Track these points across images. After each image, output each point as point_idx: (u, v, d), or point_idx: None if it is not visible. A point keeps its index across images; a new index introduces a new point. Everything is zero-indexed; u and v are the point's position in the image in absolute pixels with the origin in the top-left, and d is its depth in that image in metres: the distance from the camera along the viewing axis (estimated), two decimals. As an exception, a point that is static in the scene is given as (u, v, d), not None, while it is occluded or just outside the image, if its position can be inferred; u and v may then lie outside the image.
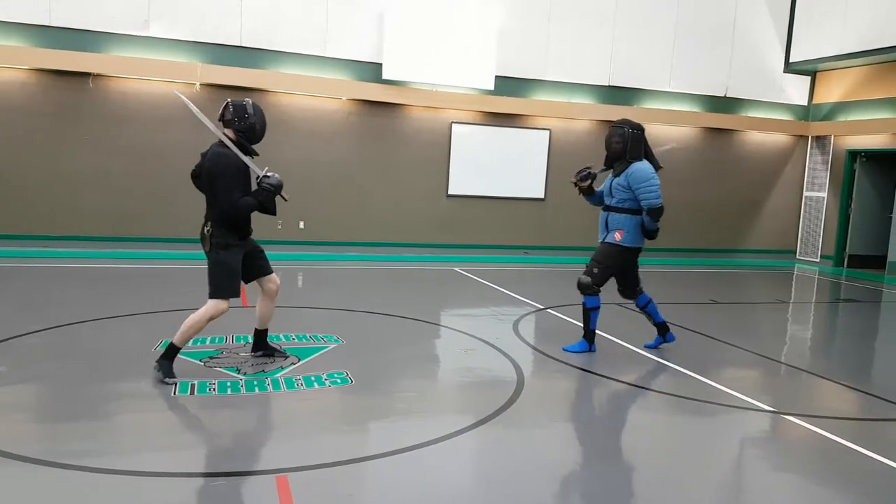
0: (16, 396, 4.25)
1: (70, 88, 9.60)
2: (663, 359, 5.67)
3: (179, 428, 3.93)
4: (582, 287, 5.61)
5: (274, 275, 4.87)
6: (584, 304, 5.67)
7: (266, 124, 4.66)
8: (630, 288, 5.84)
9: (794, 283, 11.39)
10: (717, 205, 13.28)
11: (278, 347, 5.22)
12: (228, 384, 4.47)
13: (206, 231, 4.45)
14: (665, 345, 6.01)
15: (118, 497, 3.01)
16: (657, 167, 5.60)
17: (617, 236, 5.53)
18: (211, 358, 4.95)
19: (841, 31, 12.02)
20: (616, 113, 12.02)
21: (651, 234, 5.59)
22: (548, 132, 11.90)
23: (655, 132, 12.57)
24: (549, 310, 7.44)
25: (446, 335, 6.39)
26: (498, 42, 11.21)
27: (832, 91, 13.17)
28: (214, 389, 4.36)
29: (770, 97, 13.24)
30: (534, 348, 5.89)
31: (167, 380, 4.38)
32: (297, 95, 10.55)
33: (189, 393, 4.29)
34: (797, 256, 13.90)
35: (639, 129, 5.56)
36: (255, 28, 10.25)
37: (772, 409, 4.61)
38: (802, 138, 13.65)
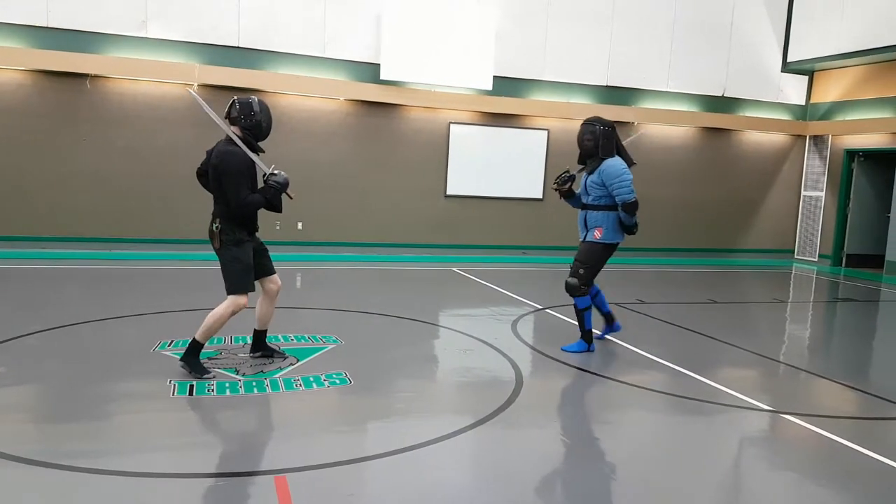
0: (15, 397, 4.25)
1: (67, 89, 9.58)
2: (662, 358, 5.67)
3: (178, 429, 3.92)
4: (570, 289, 5.67)
5: (276, 275, 4.89)
6: (575, 305, 5.74)
7: (272, 122, 4.69)
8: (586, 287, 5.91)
9: (792, 282, 11.41)
10: (716, 204, 13.29)
11: (277, 348, 5.22)
12: (227, 385, 4.46)
13: (214, 228, 4.49)
14: (612, 334, 6.21)
15: (117, 498, 3.01)
16: (630, 163, 5.66)
17: (596, 234, 5.61)
18: (210, 359, 4.95)
19: (838, 30, 12.04)
20: (615, 113, 12.04)
21: (630, 229, 5.66)
22: (546, 132, 11.90)
23: (653, 132, 12.61)
24: (547, 310, 7.45)
25: (445, 335, 6.39)
26: (496, 42, 11.21)
27: (830, 91, 13.19)
28: (213, 390, 4.36)
29: (768, 97, 13.26)
30: (532, 348, 5.90)
31: (204, 376, 4.49)
32: (294, 96, 10.54)
33: (188, 394, 4.29)
34: (795, 256, 13.92)
35: (609, 127, 5.63)
36: (253, 29, 10.24)
37: (770, 408, 4.62)
38: (800, 138, 13.66)
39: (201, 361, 4.69)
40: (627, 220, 5.56)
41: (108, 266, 8.99)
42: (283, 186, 4.53)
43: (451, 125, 11.46)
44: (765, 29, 12.98)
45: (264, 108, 4.60)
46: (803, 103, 13.55)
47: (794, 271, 12.55)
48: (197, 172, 4.73)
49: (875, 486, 3.51)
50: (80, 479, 3.14)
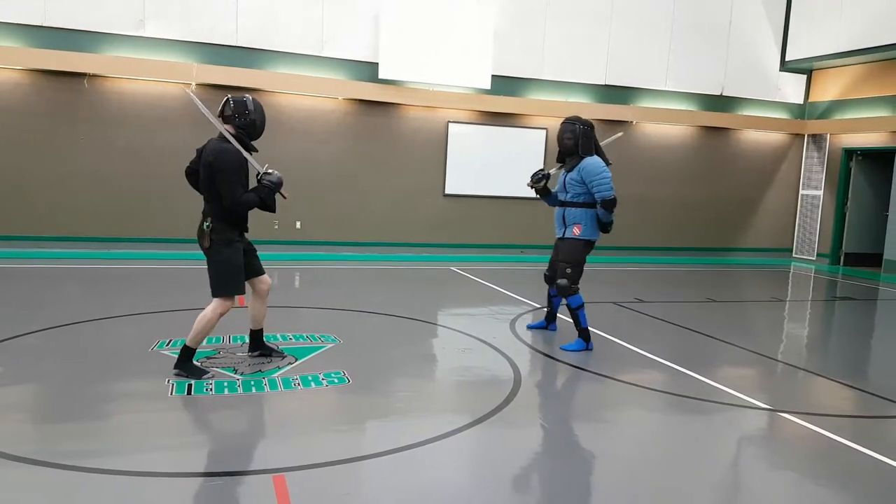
0: (14, 396, 4.24)
1: (65, 89, 9.57)
2: (661, 357, 5.68)
3: (176, 428, 3.92)
4: (562, 291, 5.76)
5: (266, 275, 4.86)
6: (568, 305, 5.80)
7: (265, 121, 4.67)
8: (553, 279, 6.04)
9: (790, 281, 11.41)
10: (714, 203, 13.30)
11: (275, 347, 5.22)
12: (225, 384, 4.46)
13: (205, 227, 4.44)
14: (546, 332, 6.34)
15: (115, 497, 3.01)
16: (607, 162, 5.78)
17: (576, 231, 5.74)
18: (208, 358, 4.94)
19: (837, 29, 12.04)
20: (613, 112, 12.09)
21: (606, 226, 5.82)
22: (544, 131, 11.90)
23: (652, 131, 12.62)
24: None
25: (443, 334, 6.39)
26: (494, 41, 11.21)
27: (828, 89, 13.20)
28: (212, 389, 4.36)
29: (766, 96, 13.26)
30: (531, 347, 5.90)
31: (203, 377, 4.48)
32: (293, 95, 10.54)
33: (186, 393, 4.28)
34: (794, 255, 13.93)
35: (589, 126, 5.77)
36: (251, 28, 10.23)
37: (769, 406, 4.62)
38: (798, 137, 13.67)
39: (199, 361, 4.68)
40: (605, 216, 5.71)
41: (107, 265, 8.99)
42: (277, 186, 4.51)
43: (450, 124, 11.46)
44: (763, 28, 12.99)
45: (258, 107, 4.58)
46: (802, 102, 13.55)
47: (792, 270, 12.56)
48: (186, 171, 4.65)
49: (874, 485, 3.51)
50: (79, 479, 3.13)
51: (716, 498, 3.36)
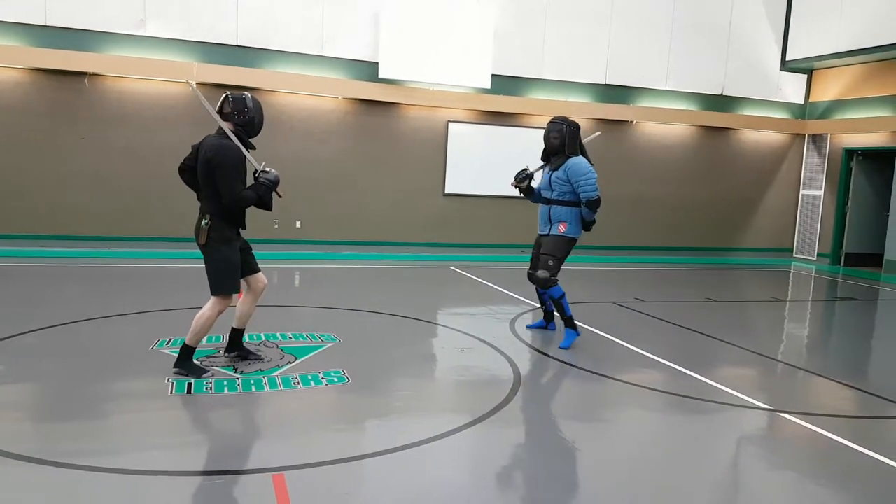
0: (14, 395, 4.25)
1: (66, 88, 9.57)
2: (661, 357, 5.67)
3: (176, 427, 3.92)
4: (542, 282, 5.85)
5: (261, 273, 4.84)
6: (551, 296, 5.91)
7: (264, 118, 4.66)
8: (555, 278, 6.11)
9: (790, 281, 11.41)
10: (714, 203, 13.30)
11: (254, 349, 5.14)
12: (225, 383, 4.46)
13: (203, 224, 4.42)
14: (545, 331, 6.39)
15: (115, 496, 3.01)
16: (590, 162, 5.90)
17: (561, 228, 5.84)
18: (208, 357, 4.94)
19: (837, 29, 12.04)
20: (613, 112, 12.09)
21: (589, 225, 5.95)
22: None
23: (652, 131, 12.62)
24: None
25: (443, 334, 6.39)
26: (494, 41, 11.21)
27: (829, 89, 13.19)
28: (211, 388, 4.36)
29: (766, 95, 13.26)
30: (531, 347, 5.90)
31: (203, 375, 4.47)
32: (293, 94, 10.54)
33: (186, 392, 4.28)
34: (794, 255, 13.93)
35: (575, 127, 5.90)
36: (252, 27, 10.23)
37: (769, 406, 4.62)
38: (799, 136, 13.67)
39: (199, 360, 4.68)
40: (589, 215, 5.84)
41: (108, 264, 8.99)
42: (274, 184, 4.50)
43: (450, 124, 11.46)
44: (763, 27, 12.98)
45: (257, 105, 4.57)
46: (802, 102, 13.55)
47: (792, 270, 12.56)
48: (180, 167, 4.59)
49: (874, 485, 3.51)
50: (80, 477, 3.13)
51: (716, 498, 3.36)
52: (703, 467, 3.70)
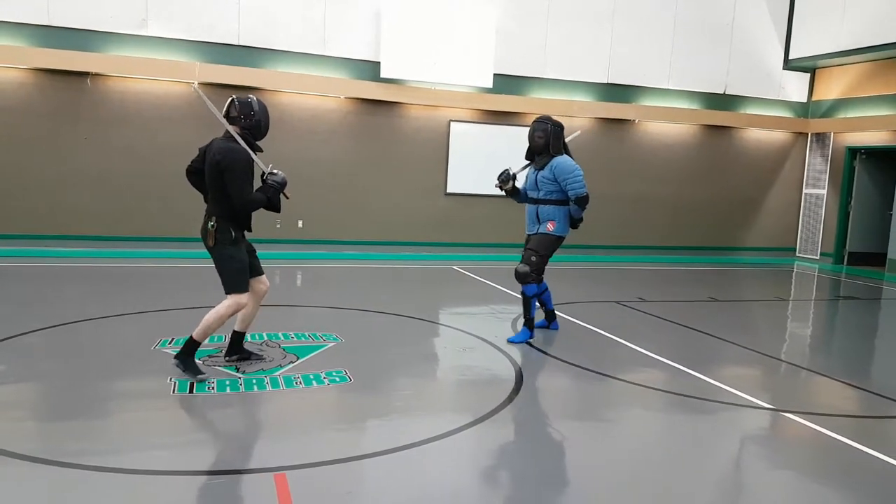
0: (15, 395, 4.25)
1: (68, 88, 9.58)
2: (663, 356, 5.66)
3: (178, 426, 3.92)
4: (521, 276, 5.85)
5: (265, 276, 4.84)
6: (523, 292, 5.89)
7: (269, 121, 4.66)
8: (536, 275, 6.09)
9: (793, 280, 11.39)
10: (717, 202, 13.27)
11: (256, 350, 5.13)
12: (227, 383, 4.46)
13: (210, 226, 4.42)
14: (547, 330, 6.34)
15: (117, 495, 3.01)
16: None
17: (549, 227, 5.87)
18: (210, 356, 4.94)
19: (840, 27, 12.00)
20: (615, 111, 12.07)
21: (576, 223, 5.98)
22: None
23: (654, 130, 12.60)
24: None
25: (445, 333, 6.39)
26: (496, 40, 11.19)
27: (832, 88, 13.16)
28: (213, 388, 4.36)
29: (769, 94, 13.23)
30: (532, 346, 5.88)
31: (198, 377, 4.42)
32: (295, 94, 10.54)
33: (188, 391, 4.28)
34: (797, 254, 13.90)
35: (559, 126, 5.94)
36: (253, 27, 10.24)
37: (771, 406, 4.61)
38: (802, 135, 13.64)
39: (201, 360, 4.68)
40: (577, 213, 5.88)
41: (109, 264, 8.99)
42: (282, 186, 4.52)
43: (452, 123, 11.45)
44: (766, 26, 12.95)
45: (263, 108, 4.57)
46: (805, 101, 13.52)
47: (795, 269, 12.53)
48: (187, 170, 4.60)
49: (877, 485, 3.49)
50: (82, 477, 3.13)
51: (718, 497, 3.35)
52: (706, 467, 3.69)
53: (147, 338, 5.38)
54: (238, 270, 4.50)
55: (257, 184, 4.54)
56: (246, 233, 4.65)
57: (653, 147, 12.64)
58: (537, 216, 5.96)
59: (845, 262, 13.02)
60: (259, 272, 4.77)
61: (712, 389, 4.88)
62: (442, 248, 11.53)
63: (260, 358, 4.99)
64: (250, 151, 4.45)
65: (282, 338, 5.58)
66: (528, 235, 6.05)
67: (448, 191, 11.62)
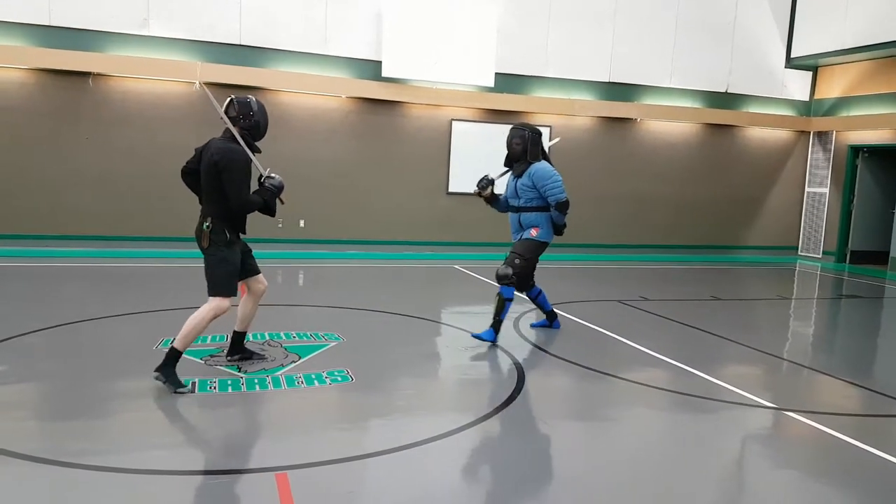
0: (16, 395, 4.25)
1: (70, 88, 9.58)
2: (665, 355, 5.65)
3: (180, 426, 3.92)
4: (501, 277, 5.83)
5: (262, 275, 4.80)
6: (500, 293, 5.85)
7: (269, 121, 4.64)
8: (525, 281, 6.13)
9: (796, 279, 11.37)
10: (719, 201, 13.24)
11: (257, 349, 5.11)
12: (229, 382, 4.46)
13: (205, 227, 4.37)
14: (549, 330, 6.37)
15: (118, 495, 3.01)
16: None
17: (533, 233, 5.90)
18: (212, 356, 4.94)
19: (842, 25, 11.97)
20: (617, 109, 12.05)
21: (560, 228, 5.99)
22: (548, 129, 11.86)
23: (656, 128, 12.58)
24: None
25: (447, 333, 6.38)
26: (498, 39, 11.18)
27: (834, 86, 13.12)
28: (215, 388, 4.36)
29: (771, 93, 13.20)
30: (534, 346, 5.88)
31: (179, 390, 4.22)
32: (296, 94, 10.53)
33: (190, 391, 4.27)
34: (799, 253, 13.87)
35: (537, 133, 5.96)
36: (254, 26, 10.23)
37: (774, 405, 4.60)
38: (804, 134, 13.61)
39: (202, 360, 4.67)
40: (559, 219, 5.88)
41: (110, 264, 9.00)
42: (279, 190, 4.46)
43: (453, 122, 11.44)
44: (768, 24, 12.92)
45: (262, 108, 4.53)
46: (807, 99, 13.48)
47: (798, 268, 12.51)
48: (182, 170, 4.55)
49: (879, 484, 3.48)
50: (83, 477, 3.13)
51: (720, 496, 3.34)
52: (709, 466, 3.68)
53: (148, 338, 5.38)
54: (229, 273, 4.42)
55: (254, 186, 4.51)
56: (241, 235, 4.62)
57: (655, 146, 12.62)
58: (520, 224, 5.98)
59: (848, 261, 12.99)
60: (256, 271, 4.73)
61: (714, 388, 4.87)
62: (443, 248, 11.52)
63: (262, 357, 4.98)
64: (249, 152, 4.43)
65: (283, 337, 5.57)
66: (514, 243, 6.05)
67: (450, 190, 11.61)
